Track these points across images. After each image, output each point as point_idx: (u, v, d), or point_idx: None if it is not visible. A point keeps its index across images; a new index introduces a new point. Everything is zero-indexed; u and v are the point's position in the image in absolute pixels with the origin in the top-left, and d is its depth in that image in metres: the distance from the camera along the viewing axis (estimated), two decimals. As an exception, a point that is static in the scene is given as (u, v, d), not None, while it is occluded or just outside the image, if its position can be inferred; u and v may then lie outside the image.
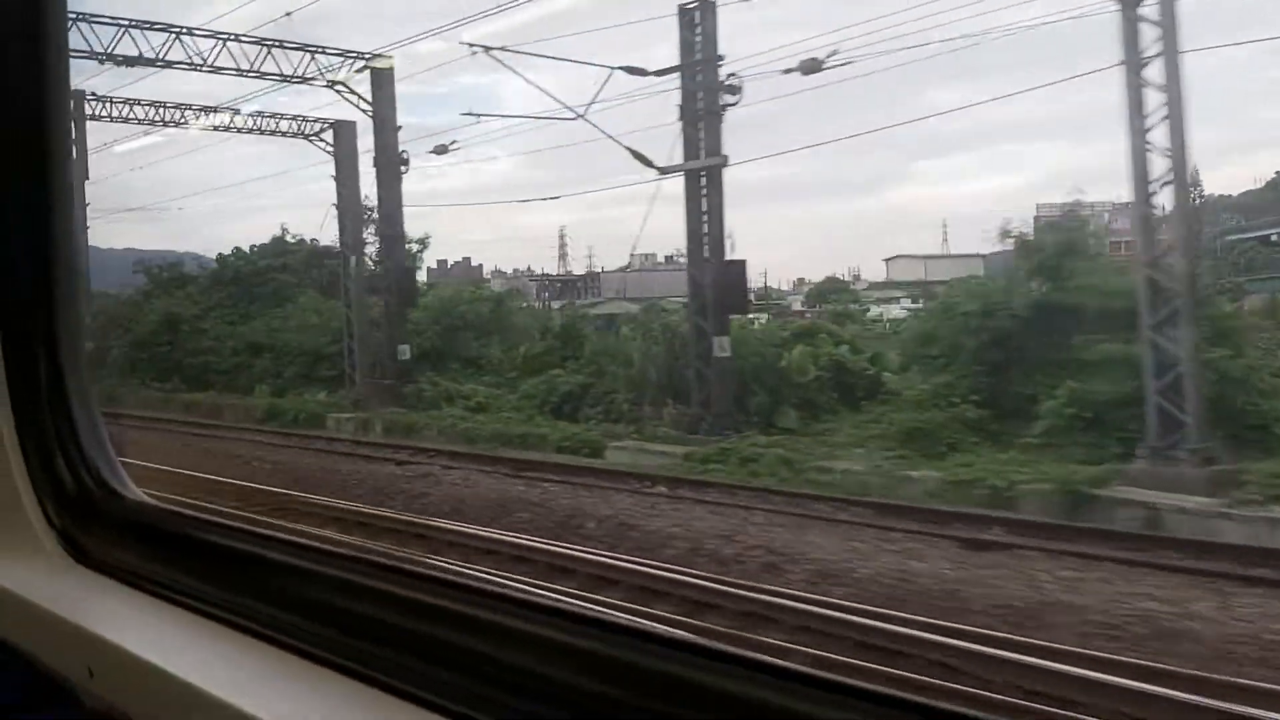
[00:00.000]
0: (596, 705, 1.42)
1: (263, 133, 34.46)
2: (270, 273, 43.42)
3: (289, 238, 44.14)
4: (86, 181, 32.86)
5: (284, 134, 34.61)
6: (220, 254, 44.91)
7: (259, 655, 1.82)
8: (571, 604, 1.56)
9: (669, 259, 40.77)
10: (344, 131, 34.21)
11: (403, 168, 32.65)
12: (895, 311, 40.21)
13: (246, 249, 44.24)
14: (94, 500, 2.38)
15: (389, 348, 32.93)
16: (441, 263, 44.39)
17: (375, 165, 32.36)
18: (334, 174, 34.40)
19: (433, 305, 36.31)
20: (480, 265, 47.06)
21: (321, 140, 34.41)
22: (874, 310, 42.25)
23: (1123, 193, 20.88)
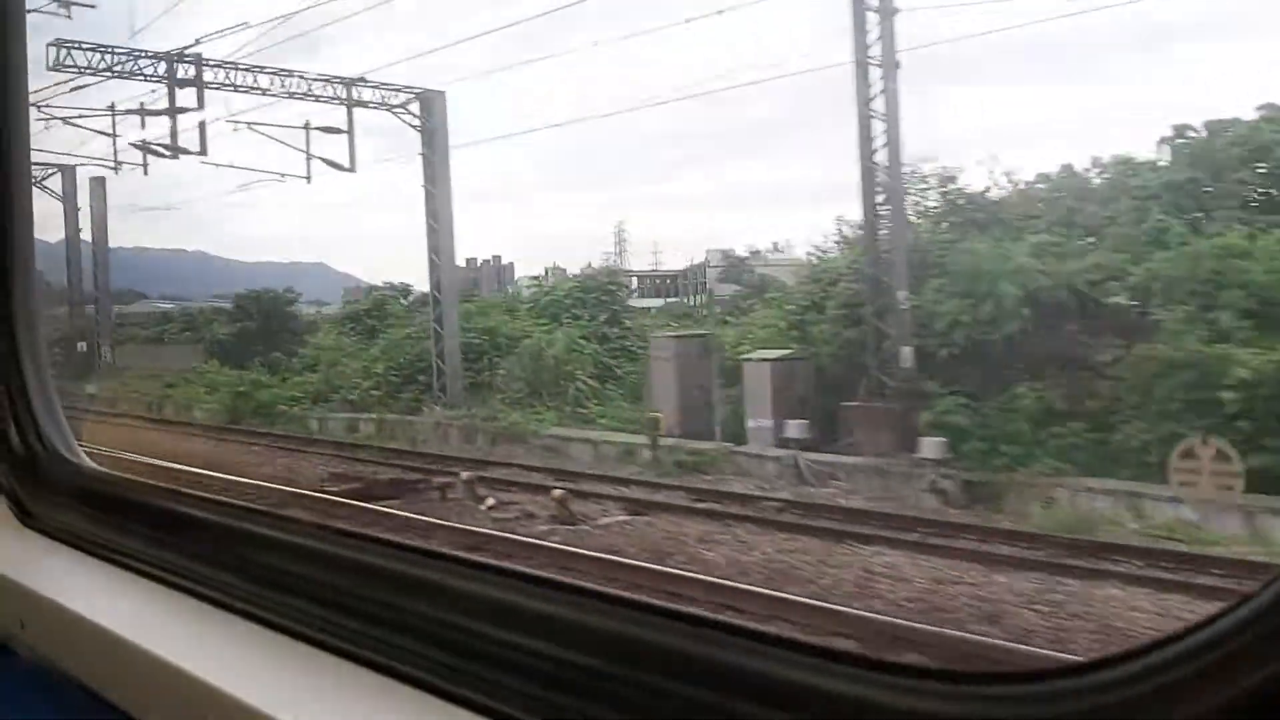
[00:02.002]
0: (568, 672, 1.42)
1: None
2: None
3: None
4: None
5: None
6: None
7: (191, 610, 1.88)
8: (542, 571, 1.56)
9: (755, 253, 38.55)
10: None
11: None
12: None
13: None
14: (43, 466, 2.46)
15: None
16: (470, 260, 42.54)
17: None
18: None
19: None
20: (511, 264, 44.73)
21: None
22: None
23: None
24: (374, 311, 35.14)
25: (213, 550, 1.98)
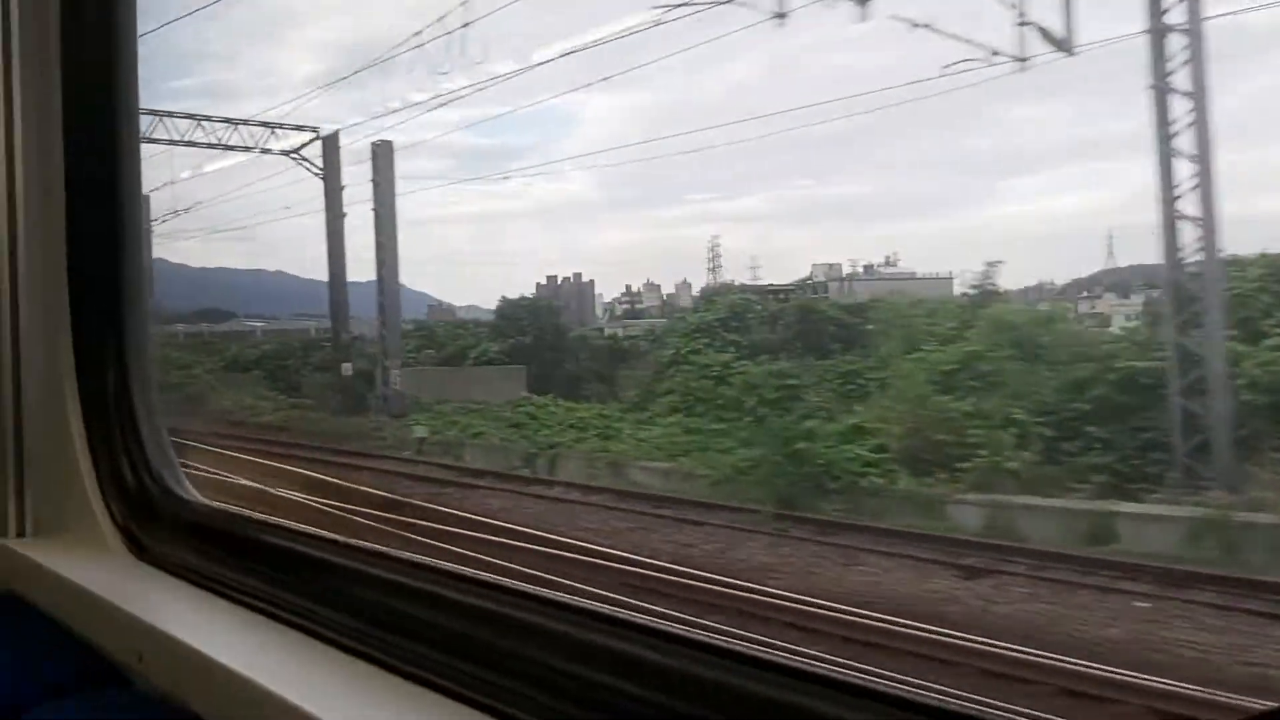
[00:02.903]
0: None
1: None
2: None
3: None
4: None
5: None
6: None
7: (300, 646, 1.92)
8: (643, 619, 1.56)
9: (868, 269, 35.80)
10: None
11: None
12: None
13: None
14: (154, 500, 2.54)
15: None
16: (551, 279, 41.21)
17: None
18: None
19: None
20: (591, 281, 42.68)
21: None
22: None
23: None
24: (733, 322, 27.11)
25: (321, 587, 2.01)
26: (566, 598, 1.66)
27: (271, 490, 16.12)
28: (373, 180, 28.45)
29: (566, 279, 40.25)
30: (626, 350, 29.30)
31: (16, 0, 2.63)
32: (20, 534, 2.66)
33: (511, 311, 31.56)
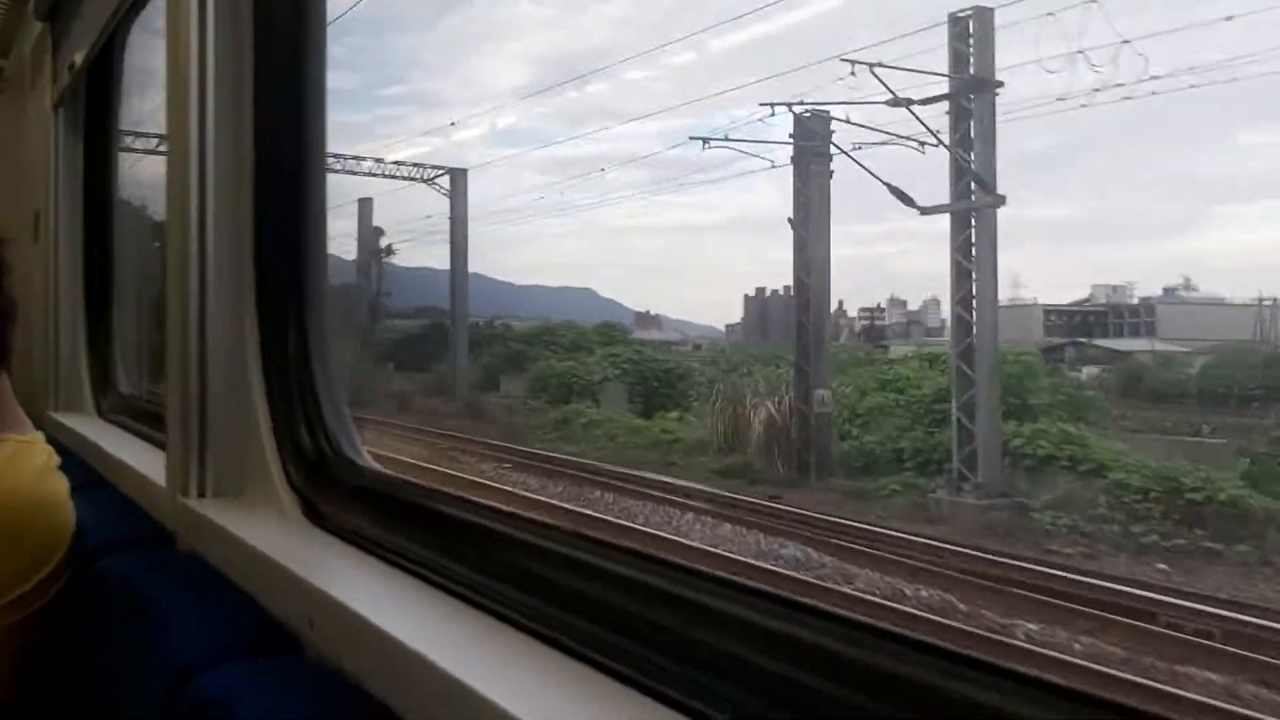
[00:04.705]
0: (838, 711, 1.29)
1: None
2: None
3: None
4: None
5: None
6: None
7: (470, 620, 1.83)
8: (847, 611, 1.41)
9: (1168, 291, 32.98)
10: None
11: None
12: None
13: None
14: (330, 465, 2.52)
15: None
16: (760, 290, 40.38)
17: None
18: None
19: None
20: None
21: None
22: None
23: None
24: None
25: (493, 559, 1.92)
26: (767, 586, 1.50)
27: None
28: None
29: (775, 292, 39.34)
30: None
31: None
32: (201, 494, 2.71)
33: None
